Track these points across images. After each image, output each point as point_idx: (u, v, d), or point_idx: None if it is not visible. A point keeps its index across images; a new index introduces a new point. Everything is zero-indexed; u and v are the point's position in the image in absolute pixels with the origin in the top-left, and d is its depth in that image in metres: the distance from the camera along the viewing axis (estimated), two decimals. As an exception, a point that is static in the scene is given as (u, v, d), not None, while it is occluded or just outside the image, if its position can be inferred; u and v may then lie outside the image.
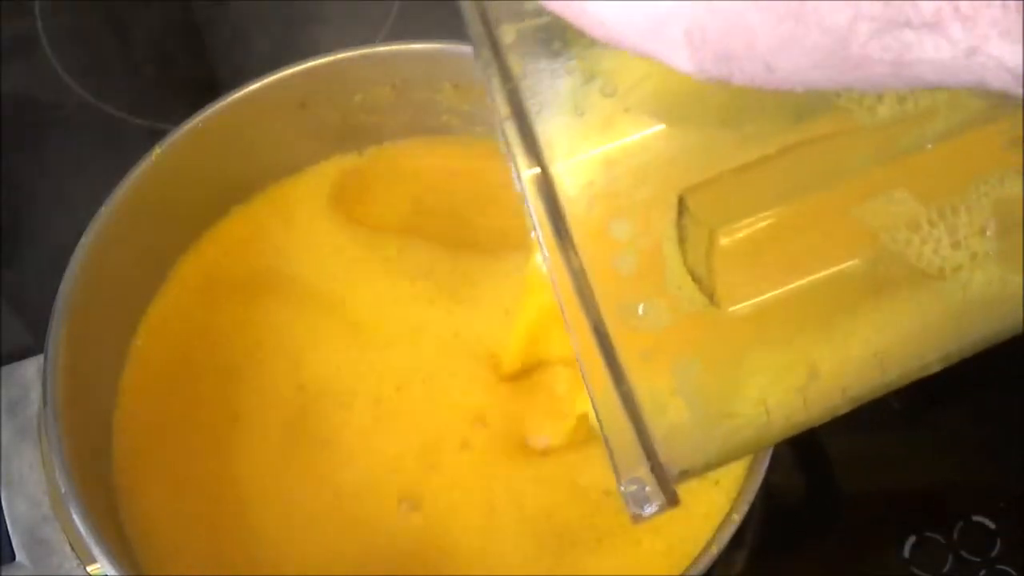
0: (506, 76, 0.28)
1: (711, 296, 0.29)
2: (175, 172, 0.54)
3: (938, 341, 0.31)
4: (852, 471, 0.57)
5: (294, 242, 0.57)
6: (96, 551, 0.45)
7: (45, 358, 0.48)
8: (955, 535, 0.54)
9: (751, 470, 0.46)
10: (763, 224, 0.29)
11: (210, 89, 0.55)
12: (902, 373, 0.31)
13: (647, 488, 0.29)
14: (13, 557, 0.47)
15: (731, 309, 0.29)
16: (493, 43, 0.29)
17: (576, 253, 0.28)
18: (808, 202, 0.29)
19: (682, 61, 0.24)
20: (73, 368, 0.49)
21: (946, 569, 0.54)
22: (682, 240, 0.29)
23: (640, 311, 0.29)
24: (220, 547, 0.50)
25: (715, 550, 0.44)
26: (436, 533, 0.49)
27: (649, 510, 0.30)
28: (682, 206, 0.29)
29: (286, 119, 0.57)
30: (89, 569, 0.46)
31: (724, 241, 0.29)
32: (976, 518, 0.55)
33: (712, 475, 0.49)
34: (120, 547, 0.48)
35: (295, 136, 0.58)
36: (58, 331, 0.49)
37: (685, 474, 0.30)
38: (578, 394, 0.49)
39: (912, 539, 0.54)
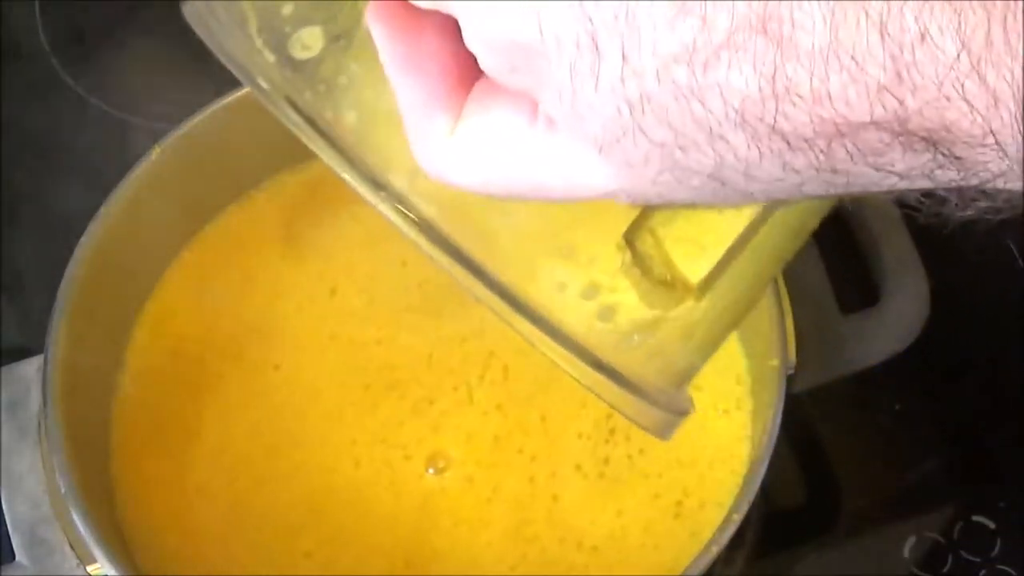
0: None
1: (684, 286, 0.31)
2: (175, 172, 0.54)
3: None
4: (852, 471, 0.57)
5: (294, 236, 0.57)
6: (96, 551, 0.45)
7: (45, 358, 0.48)
8: (955, 535, 0.54)
9: (751, 471, 0.46)
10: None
11: (210, 89, 0.55)
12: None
13: (673, 423, 0.32)
14: (13, 557, 0.47)
15: (698, 282, 0.31)
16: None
17: (561, 330, 0.29)
18: None
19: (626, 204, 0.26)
20: (73, 367, 0.49)
21: (946, 569, 0.54)
22: (645, 270, 0.30)
23: (635, 340, 0.30)
24: (220, 546, 0.50)
25: (715, 550, 0.44)
26: (432, 531, 0.50)
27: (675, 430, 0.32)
28: (629, 244, 0.30)
29: (286, 119, 0.56)
30: (89, 569, 0.46)
31: (666, 234, 0.30)
32: (976, 518, 0.55)
33: (701, 496, 0.50)
34: (120, 547, 0.48)
35: (295, 135, 0.57)
36: (58, 331, 0.49)
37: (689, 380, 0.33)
38: None
39: (912, 539, 0.54)
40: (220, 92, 0.55)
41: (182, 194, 0.55)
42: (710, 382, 0.52)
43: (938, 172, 0.21)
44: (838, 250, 0.52)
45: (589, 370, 0.29)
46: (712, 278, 0.31)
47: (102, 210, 0.52)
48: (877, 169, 0.22)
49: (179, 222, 0.56)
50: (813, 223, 0.33)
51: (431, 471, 0.51)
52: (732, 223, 0.31)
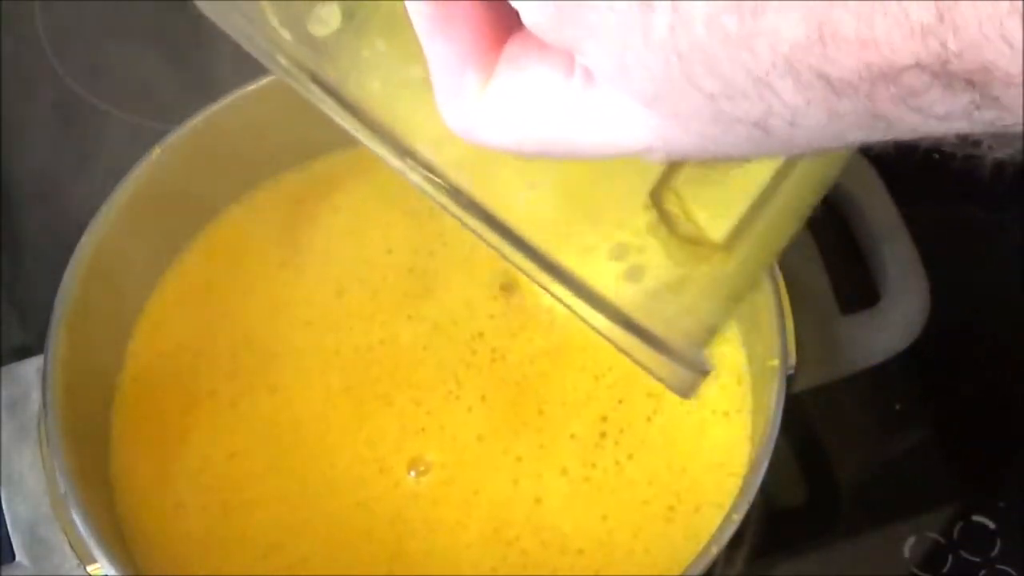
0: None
1: (709, 243, 0.31)
2: (175, 172, 0.54)
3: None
4: (852, 471, 0.57)
5: (294, 237, 0.57)
6: (96, 551, 0.45)
7: (45, 358, 0.48)
8: (955, 535, 0.54)
9: (751, 471, 0.46)
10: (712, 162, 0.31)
11: (210, 89, 0.56)
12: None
13: (697, 382, 0.32)
14: (13, 557, 0.47)
15: (723, 239, 0.31)
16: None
17: (592, 290, 0.30)
18: None
19: (658, 162, 0.26)
20: (73, 368, 0.49)
21: (946, 569, 0.54)
22: (671, 228, 0.31)
23: (663, 299, 0.31)
24: (219, 547, 0.50)
25: (715, 550, 0.44)
26: (411, 536, 0.50)
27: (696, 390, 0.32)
28: (655, 204, 0.30)
29: (286, 118, 0.56)
30: (89, 569, 0.46)
31: (690, 194, 0.31)
32: (976, 518, 0.55)
33: (696, 499, 0.50)
34: (120, 547, 0.48)
35: (295, 135, 0.58)
36: (58, 331, 0.49)
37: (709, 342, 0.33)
38: None
39: (912, 539, 0.54)
40: (220, 92, 0.55)
41: (182, 194, 0.55)
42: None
43: (976, 113, 0.22)
44: (838, 250, 0.52)
45: (619, 330, 0.30)
46: (736, 235, 0.31)
47: (102, 210, 0.52)
48: (918, 111, 0.22)
49: (179, 222, 0.56)
50: (833, 175, 0.33)
51: (412, 474, 0.51)
52: (754, 180, 0.31)
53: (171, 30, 0.69)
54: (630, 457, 0.51)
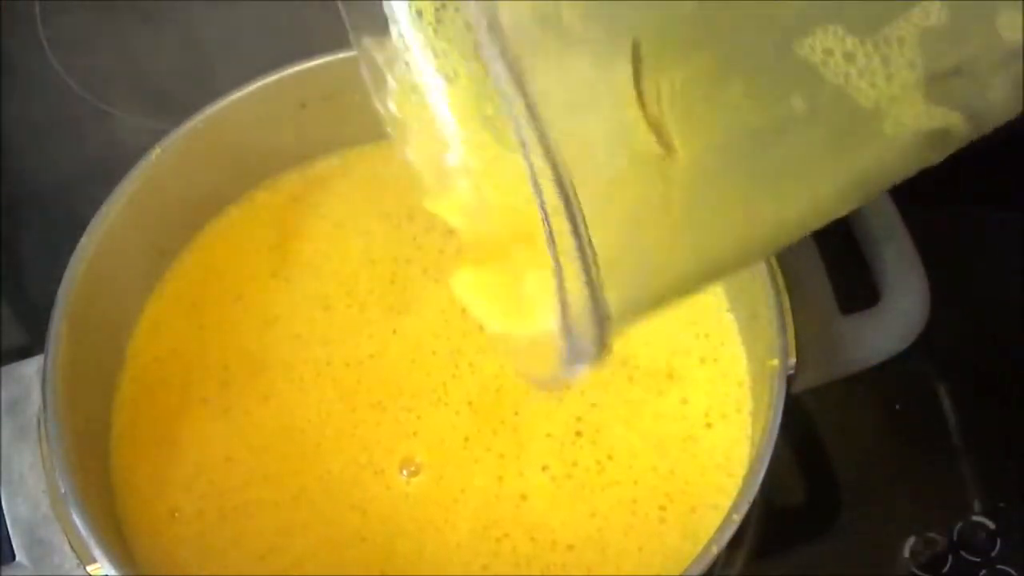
0: None
1: (668, 146, 0.29)
2: (175, 172, 0.54)
3: (869, 176, 0.33)
4: (852, 471, 0.57)
5: (286, 242, 0.57)
6: (96, 551, 0.45)
7: (45, 358, 0.48)
8: (955, 535, 0.54)
9: (751, 471, 0.46)
10: (709, 68, 0.30)
11: (210, 89, 0.56)
12: (829, 212, 0.33)
13: (589, 346, 0.29)
14: (13, 557, 0.47)
15: (685, 158, 0.30)
16: None
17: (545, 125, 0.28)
18: (749, 42, 0.30)
19: None
20: (73, 368, 0.49)
21: (946, 569, 0.54)
22: (639, 91, 0.29)
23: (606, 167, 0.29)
24: (216, 551, 0.50)
25: (715, 550, 0.44)
26: (403, 536, 0.50)
27: (581, 367, 0.30)
28: (635, 54, 0.29)
29: (286, 119, 0.57)
30: (89, 569, 0.46)
31: (675, 90, 0.29)
32: (976, 518, 0.55)
33: (691, 501, 0.50)
34: (120, 547, 0.48)
35: (295, 136, 0.58)
36: (58, 331, 0.49)
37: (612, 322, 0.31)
38: None
39: (912, 539, 0.54)
40: (220, 92, 0.55)
41: (182, 194, 0.55)
42: (709, 386, 0.52)
43: None
44: (838, 250, 0.52)
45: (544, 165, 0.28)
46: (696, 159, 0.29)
47: (102, 210, 0.52)
48: None
49: (179, 222, 0.56)
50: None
51: (404, 473, 0.51)
52: (747, 109, 0.30)
53: (171, 30, 0.69)
54: (610, 458, 0.51)
